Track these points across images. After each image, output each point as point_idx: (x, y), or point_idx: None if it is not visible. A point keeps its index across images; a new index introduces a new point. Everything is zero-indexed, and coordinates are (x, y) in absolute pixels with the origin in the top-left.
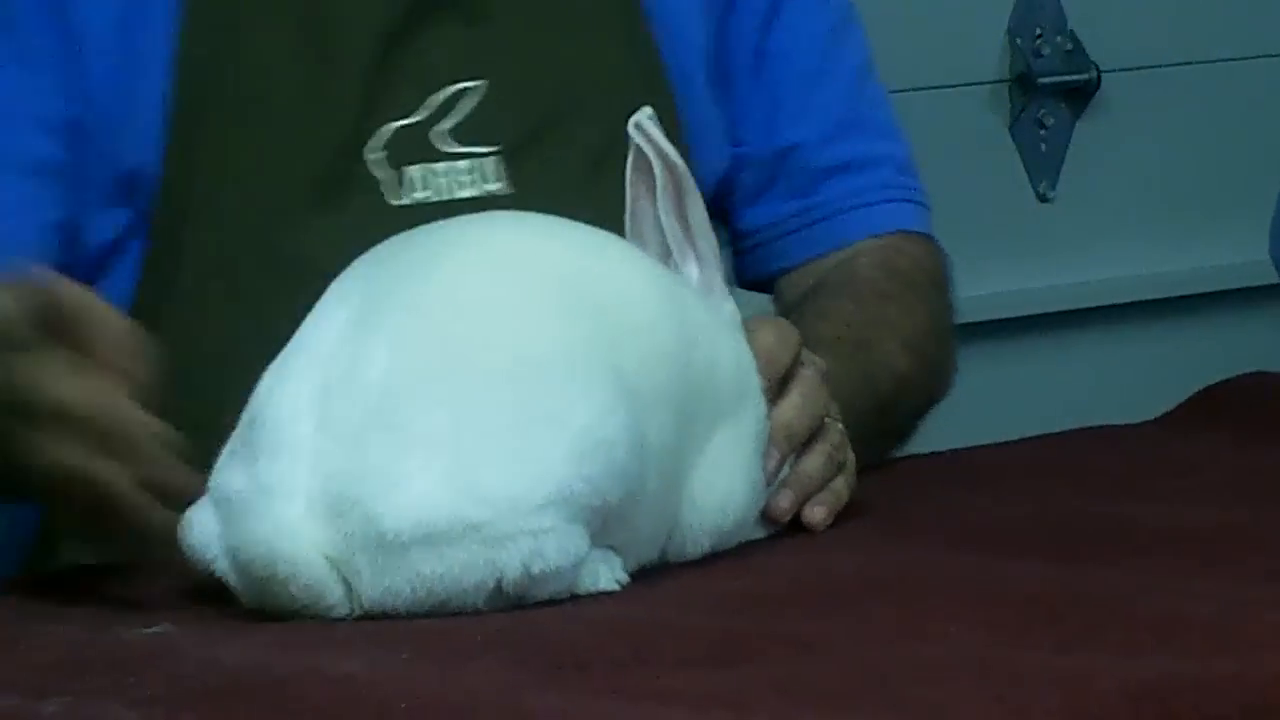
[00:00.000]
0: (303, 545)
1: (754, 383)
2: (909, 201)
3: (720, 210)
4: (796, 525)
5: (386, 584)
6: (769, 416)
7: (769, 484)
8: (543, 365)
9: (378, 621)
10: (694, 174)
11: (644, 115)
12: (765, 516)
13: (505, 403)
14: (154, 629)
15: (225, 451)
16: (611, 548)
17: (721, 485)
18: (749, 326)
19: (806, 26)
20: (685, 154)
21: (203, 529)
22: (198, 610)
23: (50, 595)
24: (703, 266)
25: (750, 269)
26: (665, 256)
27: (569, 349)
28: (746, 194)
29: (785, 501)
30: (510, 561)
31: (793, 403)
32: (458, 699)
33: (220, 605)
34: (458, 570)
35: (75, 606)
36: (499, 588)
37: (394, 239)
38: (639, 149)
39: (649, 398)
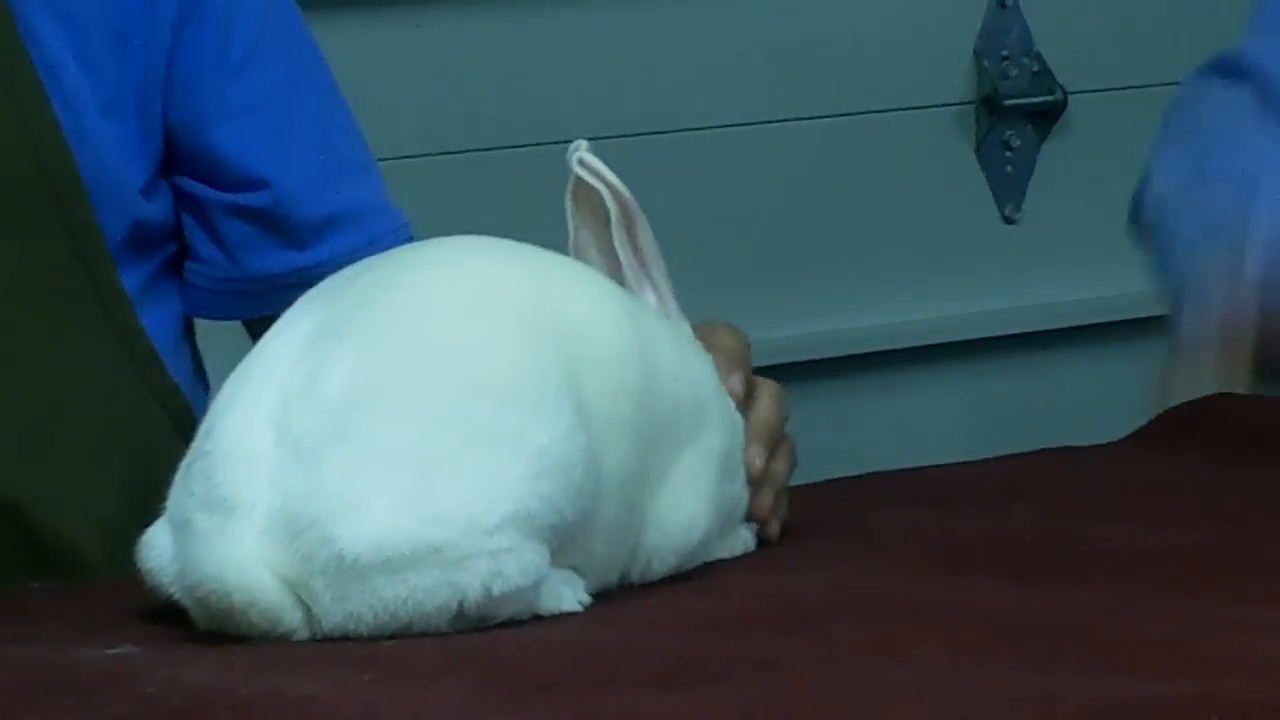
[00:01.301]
0: (258, 573)
1: (716, 403)
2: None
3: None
4: (762, 545)
5: (347, 608)
6: (749, 421)
7: (750, 482)
8: (502, 384)
9: (341, 643)
10: (107, 218)
11: (584, 149)
12: (751, 517)
13: (464, 420)
14: (117, 650)
15: (182, 465)
16: (574, 568)
17: (686, 506)
18: (704, 331)
19: (268, 67)
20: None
21: (160, 554)
22: (160, 631)
23: (13, 616)
24: (659, 292)
25: (238, 308)
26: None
27: (529, 369)
28: (237, 239)
29: (769, 498)
30: (471, 583)
31: (765, 403)
32: None
33: (183, 626)
34: (420, 595)
35: (38, 627)
36: (461, 609)
37: (359, 262)
38: (579, 180)
39: (612, 428)
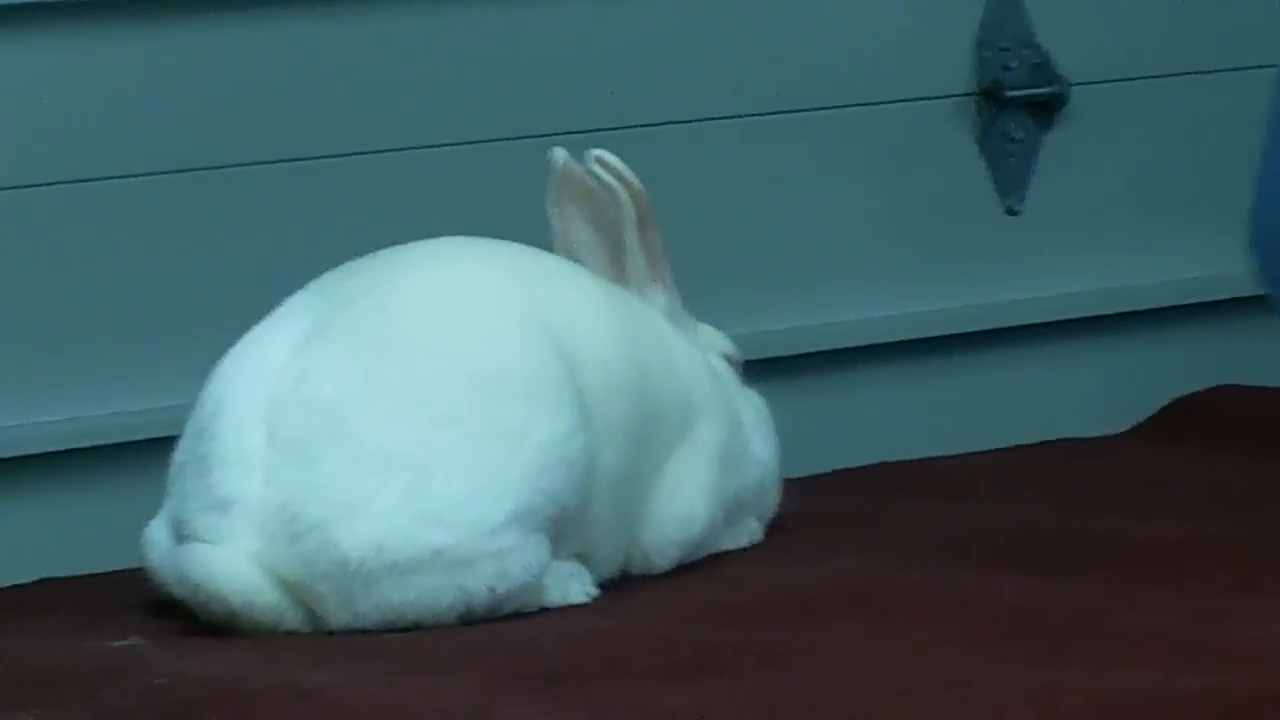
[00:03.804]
0: (255, 576)
1: (711, 397)
2: None
3: None
4: (767, 536)
5: (353, 610)
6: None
7: None
8: (501, 381)
9: (349, 635)
10: None
11: (600, 151)
12: None
13: (462, 418)
14: (123, 642)
15: (175, 463)
16: (578, 557)
17: (682, 500)
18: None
19: None
20: None
21: (161, 552)
22: (167, 623)
23: (20, 609)
24: (668, 290)
25: None
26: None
27: (529, 365)
28: None
29: None
30: (476, 584)
31: None
32: (431, 712)
33: (189, 618)
34: (427, 597)
35: (45, 620)
36: (467, 609)
37: (351, 262)
38: (563, 181)
39: (604, 428)
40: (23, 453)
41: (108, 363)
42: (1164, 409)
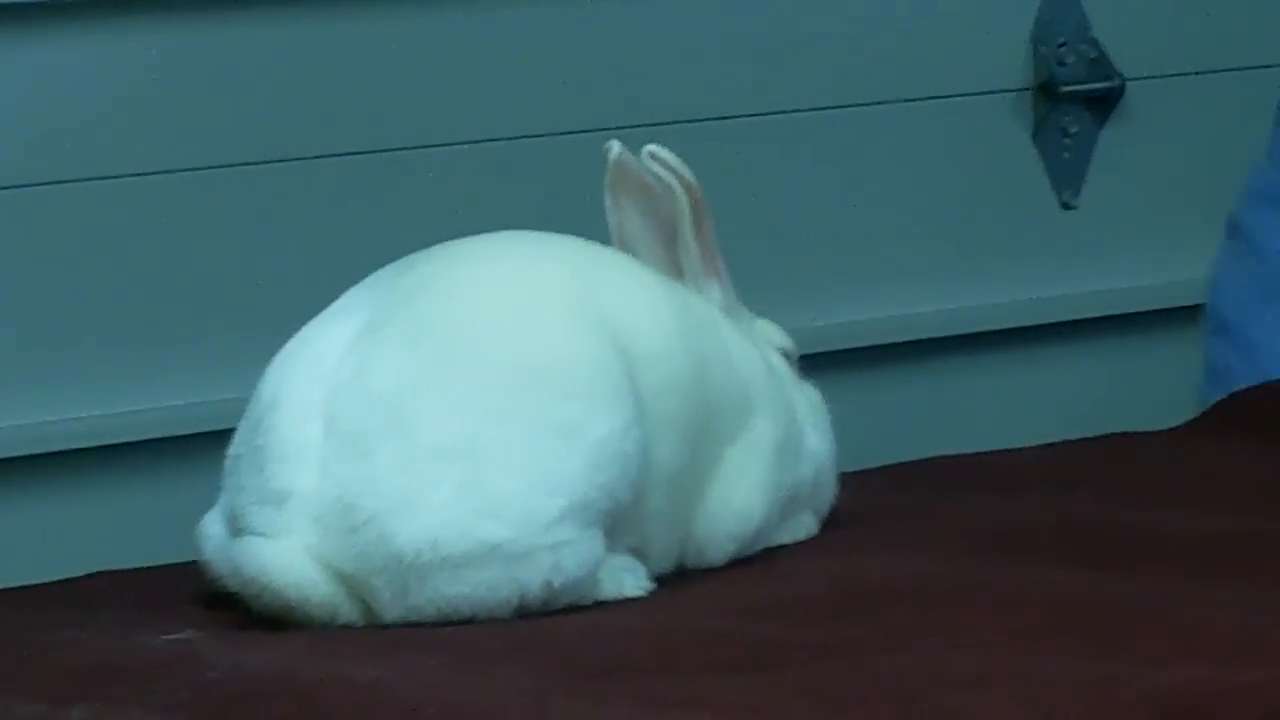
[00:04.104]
0: (310, 569)
1: (767, 392)
2: None
3: None
4: (822, 530)
5: (408, 604)
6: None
7: None
8: (558, 374)
9: (403, 628)
10: None
11: (654, 146)
12: None
13: (519, 411)
14: (177, 635)
15: (230, 455)
16: (634, 551)
17: (739, 495)
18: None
19: None
20: None
21: (215, 545)
22: (220, 616)
23: (74, 602)
24: (723, 284)
25: None
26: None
27: (587, 360)
28: None
29: None
30: (532, 578)
31: None
32: (485, 705)
33: (242, 611)
34: (482, 591)
35: (99, 613)
36: (522, 602)
37: (409, 256)
38: (617, 174)
39: (660, 422)
40: (81, 445)
41: (166, 356)
42: (1220, 403)
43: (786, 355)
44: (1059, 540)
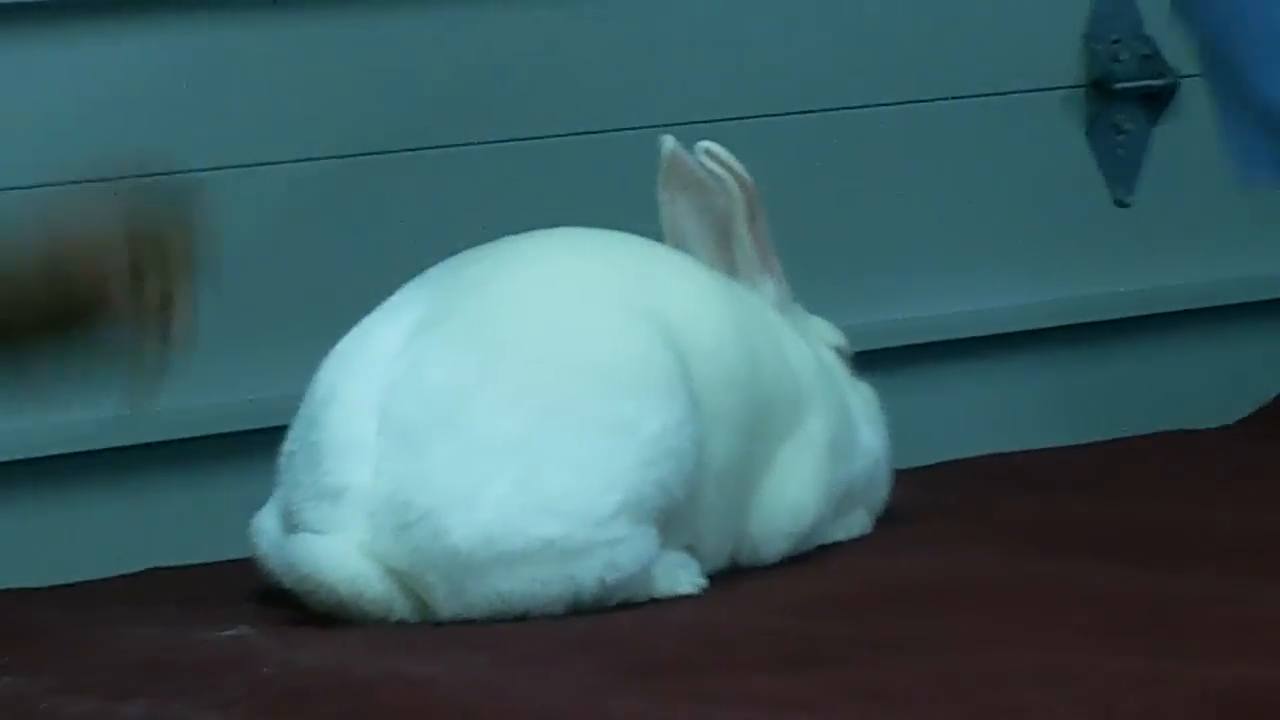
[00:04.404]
0: (364, 565)
1: (820, 389)
2: None
3: None
4: (876, 528)
5: (463, 600)
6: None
7: None
8: (612, 371)
9: (456, 625)
10: None
11: (708, 143)
12: None
13: (573, 408)
14: (232, 631)
15: (285, 452)
16: (688, 548)
17: (791, 492)
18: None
19: None
20: None
21: (269, 541)
22: (275, 612)
23: (129, 598)
24: (777, 281)
25: None
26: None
27: (641, 356)
28: None
29: None
30: (586, 574)
31: None
32: (541, 702)
33: (297, 608)
34: (536, 587)
35: (154, 609)
36: (576, 599)
37: (465, 252)
38: (671, 169)
39: (714, 418)
40: (132, 441)
41: (220, 352)
42: (1274, 401)
43: (840, 352)
44: (1114, 538)
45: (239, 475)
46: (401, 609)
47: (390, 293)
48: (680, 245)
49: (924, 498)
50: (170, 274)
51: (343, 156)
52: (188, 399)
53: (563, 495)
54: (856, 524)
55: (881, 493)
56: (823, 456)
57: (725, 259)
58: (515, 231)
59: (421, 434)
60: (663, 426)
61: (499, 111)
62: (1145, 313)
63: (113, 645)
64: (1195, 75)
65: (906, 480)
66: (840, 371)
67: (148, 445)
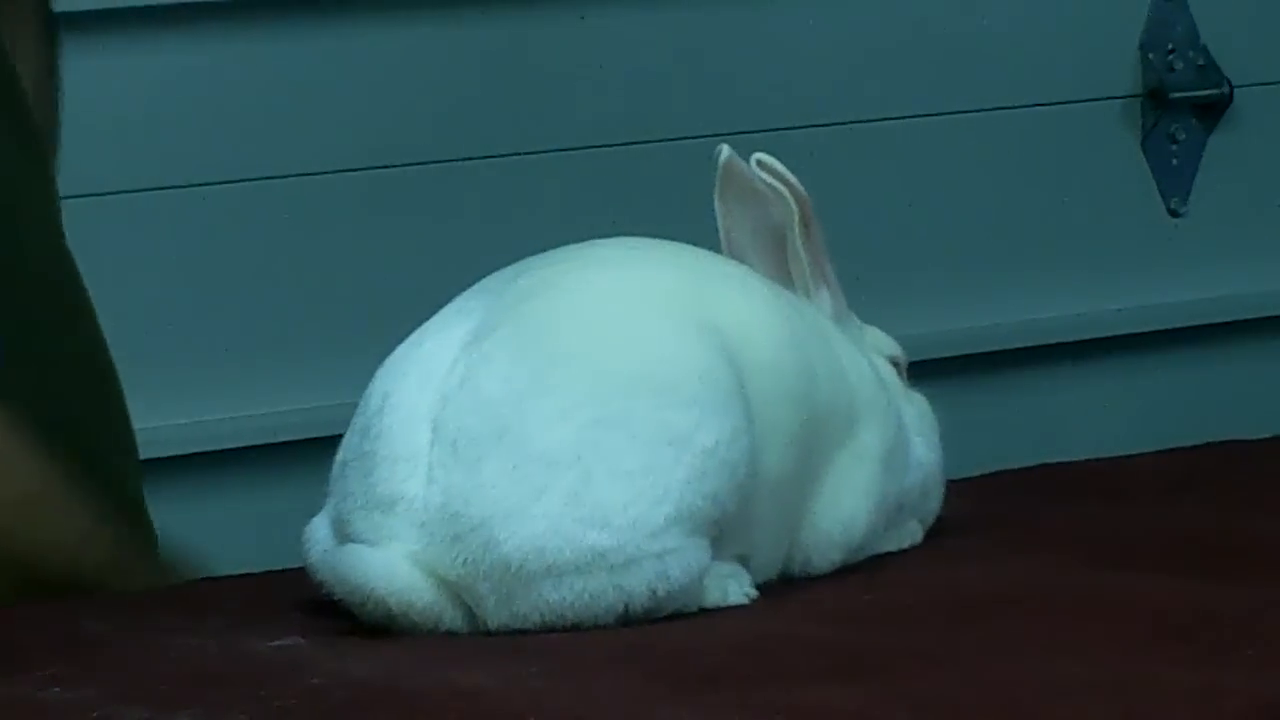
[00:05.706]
0: (414, 576)
1: (874, 401)
2: None
3: None
4: (927, 538)
5: (512, 610)
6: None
7: None
8: (666, 383)
9: (505, 635)
10: None
11: (762, 155)
12: None
13: (626, 420)
14: (283, 641)
15: (338, 461)
16: (739, 558)
17: (846, 504)
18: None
19: None
20: None
21: (321, 550)
22: (324, 623)
23: (180, 608)
24: (834, 292)
25: None
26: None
27: (695, 368)
28: None
29: None
30: (637, 586)
31: None
32: (589, 713)
33: (347, 618)
34: (586, 599)
35: (205, 619)
36: (626, 610)
37: (521, 261)
38: (726, 177)
39: (769, 432)
40: (187, 451)
41: (270, 363)
42: None
43: (895, 363)
44: (1167, 548)
45: (290, 484)
46: (451, 619)
47: (445, 302)
48: (737, 255)
49: (976, 508)
50: None
51: (399, 165)
52: (239, 408)
53: (614, 507)
54: (908, 535)
55: (934, 504)
56: (876, 469)
57: (781, 268)
58: (572, 240)
59: (474, 445)
60: (716, 439)
61: (556, 121)
62: (1199, 323)
63: (164, 654)
64: (1250, 85)
65: (958, 490)
66: (895, 383)
67: (200, 454)
